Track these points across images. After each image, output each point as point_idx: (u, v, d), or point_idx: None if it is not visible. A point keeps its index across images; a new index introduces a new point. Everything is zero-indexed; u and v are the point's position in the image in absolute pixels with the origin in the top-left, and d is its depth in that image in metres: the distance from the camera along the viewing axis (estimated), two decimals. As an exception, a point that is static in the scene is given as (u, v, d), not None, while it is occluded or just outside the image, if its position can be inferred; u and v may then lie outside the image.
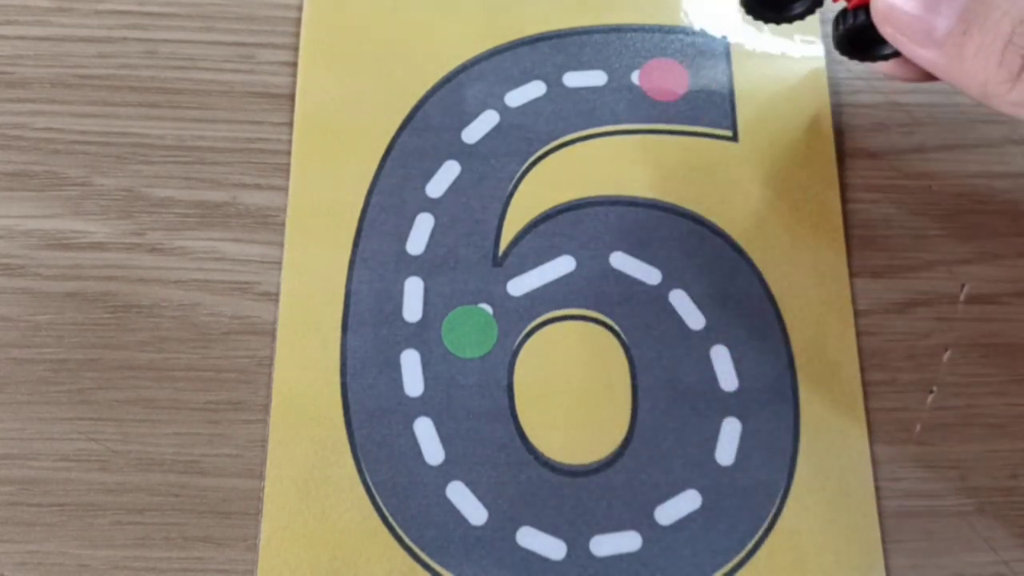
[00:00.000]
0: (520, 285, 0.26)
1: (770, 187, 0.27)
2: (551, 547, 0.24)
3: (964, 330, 0.26)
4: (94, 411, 0.24)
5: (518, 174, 0.27)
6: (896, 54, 0.23)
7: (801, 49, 0.29)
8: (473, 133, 0.27)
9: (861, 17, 0.23)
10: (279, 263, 0.26)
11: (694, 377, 0.25)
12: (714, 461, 0.25)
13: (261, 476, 0.24)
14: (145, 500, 0.24)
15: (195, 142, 0.27)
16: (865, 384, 0.25)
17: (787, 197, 0.27)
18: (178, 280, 0.26)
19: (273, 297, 0.26)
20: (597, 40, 0.28)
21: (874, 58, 0.24)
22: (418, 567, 0.23)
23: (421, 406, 0.25)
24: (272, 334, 0.25)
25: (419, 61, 0.28)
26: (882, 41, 0.23)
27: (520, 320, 0.26)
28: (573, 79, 0.28)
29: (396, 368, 0.25)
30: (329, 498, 0.24)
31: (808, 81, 0.28)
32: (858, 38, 0.24)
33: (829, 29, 0.25)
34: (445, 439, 0.24)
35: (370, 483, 0.24)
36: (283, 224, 0.26)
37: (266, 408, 0.25)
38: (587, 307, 0.26)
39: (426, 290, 0.26)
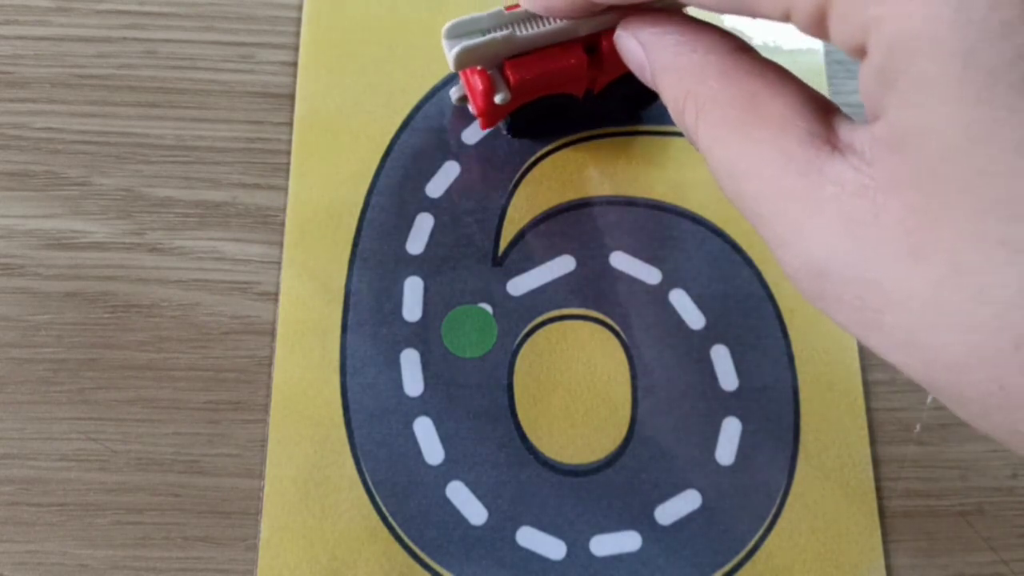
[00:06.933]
0: (520, 285, 0.26)
1: (770, 187, 0.27)
2: (551, 547, 0.24)
3: (964, 330, 0.26)
4: (94, 411, 0.24)
5: (518, 174, 0.27)
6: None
7: (800, 49, 0.29)
8: (473, 134, 0.27)
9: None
10: (279, 263, 0.26)
11: (694, 377, 0.25)
12: (714, 461, 0.25)
13: (261, 476, 0.24)
14: (145, 500, 0.24)
15: (195, 142, 0.27)
16: (865, 384, 0.25)
17: (787, 197, 0.27)
18: (178, 280, 0.26)
19: (273, 297, 0.26)
20: (597, 40, 0.28)
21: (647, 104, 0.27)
22: (418, 567, 0.23)
23: (421, 406, 0.25)
24: (272, 334, 0.25)
25: (419, 61, 0.28)
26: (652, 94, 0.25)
27: (520, 320, 0.26)
28: (573, 79, 0.28)
29: (396, 368, 0.25)
30: (329, 498, 0.24)
31: (807, 81, 0.28)
32: (637, 100, 0.27)
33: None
34: (445, 439, 0.24)
35: (370, 483, 0.24)
36: (283, 224, 0.26)
37: (266, 408, 0.25)
38: (587, 307, 0.26)
39: (426, 290, 0.26)
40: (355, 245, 0.26)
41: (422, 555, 0.23)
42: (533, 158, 0.27)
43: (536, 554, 0.24)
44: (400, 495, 0.24)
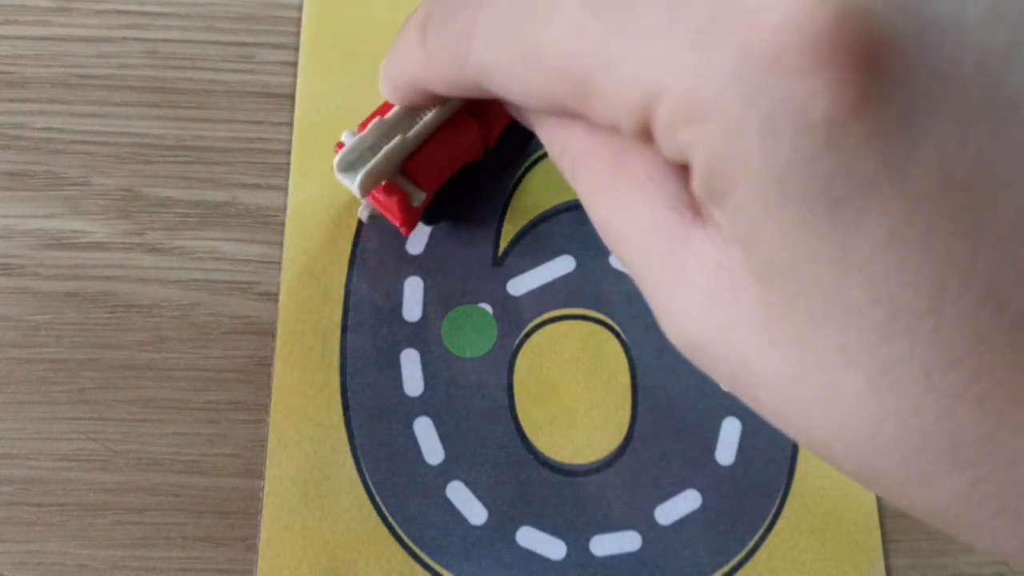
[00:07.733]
0: (520, 285, 0.26)
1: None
2: (551, 547, 0.24)
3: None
4: (94, 411, 0.24)
5: (518, 174, 0.27)
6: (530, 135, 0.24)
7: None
8: (473, 133, 0.27)
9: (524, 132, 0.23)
10: (279, 263, 0.26)
11: (694, 377, 0.25)
12: (714, 461, 0.25)
13: (261, 476, 0.24)
14: (145, 500, 0.24)
15: (195, 142, 0.27)
16: (865, 384, 0.25)
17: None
18: (178, 280, 0.26)
19: (273, 297, 0.26)
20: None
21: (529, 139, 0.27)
22: (418, 567, 0.23)
23: (421, 405, 0.25)
24: (272, 334, 0.25)
25: (419, 61, 0.28)
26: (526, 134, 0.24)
27: (520, 320, 0.26)
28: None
29: (396, 368, 0.25)
30: (329, 498, 0.24)
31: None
32: (521, 143, 0.26)
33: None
34: (445, 439, 0.24)
35: (370, 483, 0.24)
36: (283, 224, 0.26)
37: (266, 408, 0.25)
38: (587, 307, 0.26)
39: (426, 290, 0.26)
40: (355, 245, 0.26)
41: (422, 555, 0.23)
42: (533, 158, 0.27)
43: (536, 554, 0.24)
44: (400, 495, 0.24)
